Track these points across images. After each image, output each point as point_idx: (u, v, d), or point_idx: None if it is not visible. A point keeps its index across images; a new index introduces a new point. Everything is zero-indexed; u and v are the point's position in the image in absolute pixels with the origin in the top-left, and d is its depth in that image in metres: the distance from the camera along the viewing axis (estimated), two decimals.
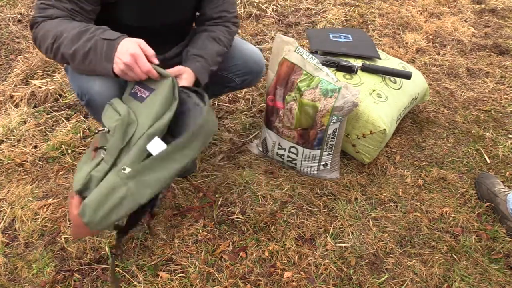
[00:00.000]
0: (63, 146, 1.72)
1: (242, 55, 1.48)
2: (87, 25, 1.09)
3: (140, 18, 1.27)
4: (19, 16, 2.68)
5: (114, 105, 1.11)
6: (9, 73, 2.17)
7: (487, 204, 1.55)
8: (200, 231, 1.41)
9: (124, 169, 0.91)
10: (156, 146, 0.94)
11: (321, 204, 1.53)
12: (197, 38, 1.39)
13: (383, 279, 1.29)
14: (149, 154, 0.94)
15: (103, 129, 0.98)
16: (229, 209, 1.50)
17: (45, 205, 1.47)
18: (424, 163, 1.76)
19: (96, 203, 0.89)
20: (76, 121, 1.87)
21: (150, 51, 1.08)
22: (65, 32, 1.07)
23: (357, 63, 1.73)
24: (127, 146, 0.95)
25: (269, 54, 2.36)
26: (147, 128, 0.95)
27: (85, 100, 1.23)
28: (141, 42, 1.08)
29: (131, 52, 1.04)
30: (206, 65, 1.33)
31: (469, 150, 1.84)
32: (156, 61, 1.09)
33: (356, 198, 1.57)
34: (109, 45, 1.05)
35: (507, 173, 1.71)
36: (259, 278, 1.27)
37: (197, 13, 1.45)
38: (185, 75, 1.28)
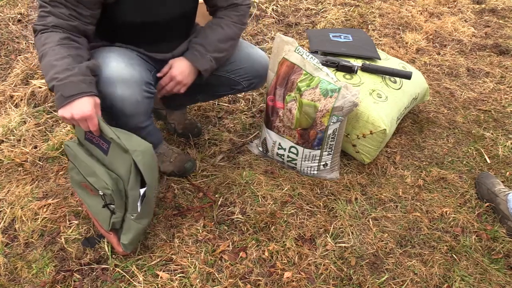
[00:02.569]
0: (63, 146, 1.72)
1: (249, 59, 1.49)
2: (62, 58, 1.09)
3: (142, 12, 1.26)
4: (19, 16, 2.68)
5: (81, 159, 1.23)
6: (9, 73, 2.17)
7: (487, 204, 1.55)
8: (200, 231, 1.41)
9: (132, 216, 1.23)
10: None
11: (321, 204, 1.53)
12: (202, 28, 1.42)
13: (383, 279, 1.29)
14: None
15: (100, 193, 1.20)
16: (229, 209, 1.50)
17: (45, 205, 1.47)
18: (424, 163, 1.76)
19: (131, 241, 1.27)
20: None
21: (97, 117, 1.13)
22: (46, 56, 1.10)
23: (357, 63, 1.73)
24: (126, 199, 1.21)
25: (269, 54, 2.36)
26: (127, 182, 1.18)
27: (105, 105, 1.23)
28: (96, 103, 1.11)
29: (86, 114, 1.08)
30: (205, 52, 1.37)
31: (469, 150, 1.84)
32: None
33: (356, 198, 1.57)
34: (59, 99, 1.07)
35: (507, 173, 1.71)
36: (259, 278, 1.27)
37: (208, 7, 1.46)
38: (176, 67, 1.37)
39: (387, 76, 1.75)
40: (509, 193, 1.49)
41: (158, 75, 1.40)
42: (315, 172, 1.63)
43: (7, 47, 2.39)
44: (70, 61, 1.09)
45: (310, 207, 1.52)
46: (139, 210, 1.21)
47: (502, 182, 1.64)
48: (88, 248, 1.33)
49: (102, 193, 1.19)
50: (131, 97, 1.24)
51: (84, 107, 1.07)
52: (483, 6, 3.24)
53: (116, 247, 1.30)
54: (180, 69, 1.37)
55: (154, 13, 1.29)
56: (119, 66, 1.22)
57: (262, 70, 1.52)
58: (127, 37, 1.32)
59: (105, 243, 1.34)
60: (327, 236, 1.41)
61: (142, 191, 1.19)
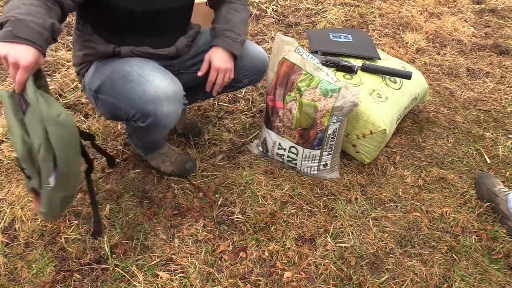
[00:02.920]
0: None
1: (249, 56, 1.49)
2: (32, 4, 0.98)
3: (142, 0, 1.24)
4: None
5: (5, 112, 1.12)
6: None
7: (487, 204, 1.55)
8: (200, 231, 1.41)
9: (48, 185, 1.09)
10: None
11: (321, 204, 1.53)
12: (219, 15, 1.43)
13: (383, 279, 1.29)
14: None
15: (14, 155, 1.10)
16: (229, 209, 1.50)
17: None
18: (424, 163, 1.76)
19: (48, 210, 1.15)
20: (76, 121, 1.87)
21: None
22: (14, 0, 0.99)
23: (357, 63, 1.73)
24: (39, 168, 1.08)
25: (269, 54, 2.36)
26: (38, 151, 1.05)
27: (147, 122, 1.24)
28: (39, 62, 0.99)
29: (21, 63, 0.93)
30: (236, 36, 1.38)
31: (469, 150, 1.84)
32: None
33: (356, 198, 1.57)
34: (6, 33, 0.93)
35: (507, 173, 1.71)
36: (259, 278, 1.27)
37: None
38: (215, 59, 1.36)
39: (387, 76, 1.75)
40: (509, 193, 1.49)
41: (199, 74, 1.39)
42: (315, 172, 1.63)
43: None
44: (39, 11, 0.98)
45: (310, 207, 1.52)
46: (52, 184, 1.08)
47: (502, 182, 1.64)
48: (88, 248, 1.33)
49: (15, 155, 1.10)
50: (175, 113, 1.26)
51: (26, 55, 0.93)
52: (483, 6, 3.24)
53: (36, 211, 1.22)
54: (220, 58, 1.37)
55: (155, 1, 1.26)
56: (163, 84, 1.22)
57: (262, 66, 1.52)
58: (130, 29, 1.29)
59: (105, 243, 1.34)
60: (327, 236, 1.41)
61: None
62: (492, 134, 1.93)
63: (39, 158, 1.05)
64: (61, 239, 1.36)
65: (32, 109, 1.03)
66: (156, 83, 1.21)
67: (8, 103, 1.12)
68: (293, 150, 1.60)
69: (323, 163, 1.60)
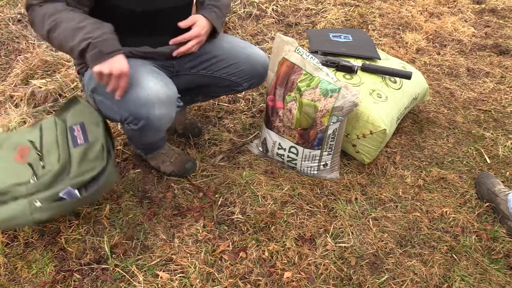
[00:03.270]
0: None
1: (249, 60, 1.48)
2: (84, 19, 1.10)
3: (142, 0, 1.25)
4: (19, 16, 2.68)
5: (53, 136, 1.23)
6: (9, 73, 2.17)
7: (487, 204, 1.55)
8: (200, 231, 1.41)
9: (36, 201, 1.09)
10: (69, 194, 1.15)
11: (321, 204, 1.53)
12: None
13: (383, 279, 1.29)
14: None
15: (39, 153, 1.17)
16: (229, 209, 1.50)
17: None
18: (424, 163, 1.76)
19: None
20: None
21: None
22: (62, 23, 1.09)
23: (357, 63, 1.73)
24: (54, 185, 1.14)
25: (269, 54, 2.36)
26: (71, 179, 1.15)
27: (139, 125, 1.24)
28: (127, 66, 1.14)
29: (124, 70, 1.12)
30: (221, 14, 1.41)
31: (469, 150, 1.84)
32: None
33: (356, 198, 1.57)
34: (98, 55, 1.08)
35: (507, 173, 1.71)
36: (259, 278, 1.27)
37: None
38: (199, 22, 1.36)
39: (387, 76, 1.75)
40: (509, 193, 1.49)
41: (181, 24, 1.34)
42: (315, 172, 1.63)
43: (7, 47, 2.39)
44: (95, 21, 1.11)
45: (310, 207, 1.52)
46: (41, 204, 1.10)
47: (502, 182, 1.64)
48: (88, 248, 1.33)
49: (41, 164, 1.16)
50: (167, 116, 1.26)
51: (123, 63, 1.11)
52: (483, 6, 3.24)
53: None
54: (205, 28, 1.37)
55: (155, 1, 1.26)
56: (156, 87, 1.22)
57: (262, 70, 1.52)
58: (131, 30, 1.29)
59: (105, 243, 1.34)
60: (327, 236, 1.41)
61: (73, 192, 1.16)
62: (492, 134, 1.93)
63: (71, 181, 1.15)
64: (61, 239, 1.36)
65: (93, 152, 1.19)
66: (149, 86, 1.21)
67: (57, 125, 1.27)
68: (293, 150, 1.60)
69: (323, 163, 1.60)
